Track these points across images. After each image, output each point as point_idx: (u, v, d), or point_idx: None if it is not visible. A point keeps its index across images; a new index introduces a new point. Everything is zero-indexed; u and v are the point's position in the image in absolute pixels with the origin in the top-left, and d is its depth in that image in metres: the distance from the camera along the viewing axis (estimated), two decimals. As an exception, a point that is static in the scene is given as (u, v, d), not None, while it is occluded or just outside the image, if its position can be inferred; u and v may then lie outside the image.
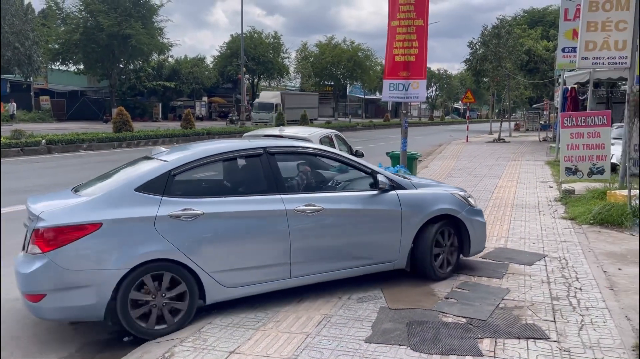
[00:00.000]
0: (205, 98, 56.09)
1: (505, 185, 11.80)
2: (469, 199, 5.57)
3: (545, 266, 5.65)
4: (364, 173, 5.08)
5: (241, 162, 4.71)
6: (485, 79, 39.72)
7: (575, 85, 22.26)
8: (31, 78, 41.56)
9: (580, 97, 24.65)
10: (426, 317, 4.26)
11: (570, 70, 20.72)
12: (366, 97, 78.54)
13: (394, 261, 5.06)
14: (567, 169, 9.83)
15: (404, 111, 9.33)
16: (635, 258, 5.92)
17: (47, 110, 42.73)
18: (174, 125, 32.15)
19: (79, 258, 3.80)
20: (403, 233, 5.01)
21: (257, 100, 46.94)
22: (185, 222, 4.10)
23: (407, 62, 8.91)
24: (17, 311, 4.53)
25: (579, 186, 10.26)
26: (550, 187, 11.42)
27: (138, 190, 4.09)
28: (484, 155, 19.64)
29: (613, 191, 8.45)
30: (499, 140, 29.11)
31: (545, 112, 42.44)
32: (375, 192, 4.96)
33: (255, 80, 60.30)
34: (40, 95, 44.34)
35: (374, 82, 66.78)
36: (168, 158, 4.45)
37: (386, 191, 4.98)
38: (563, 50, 17.09)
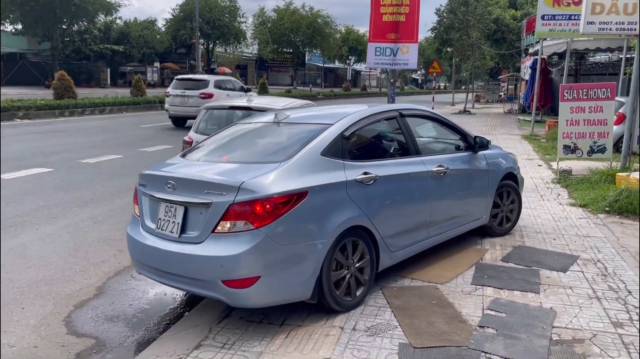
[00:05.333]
0: (157, 64, 53.07)
1: (491, 162, 10.82)
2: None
3: (583, 272, 4.63)
4: (458, 135, 5.29)
5: (385, 124, 4.70)
6: (449, 49, 38.84)
7: (545, 57, 21.58)
8: (-38, 38, 37.88)
9: (550, 69, 24.12)
10: (466, 362, 3.14)
11: (538, 41, 19.95)
12: (325, 65, 76.69)
13: (483, 217, 5.38)
14: (566, 147, 8.90)
15: (391, 80, 8.09)
16: (682, 261, 5.00)
17: (-19, 74, 39.26)
18: (124, 92, 29.83)
19: (292, 230, 3.46)
20: (489, 189, 5.42)
21: None
22: (367, 186, 3.98)
23: (397, 23, 7.66)
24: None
25: (577, 166, 9.40)
26: (539, 166, 10.54)
27: (323, 154, 3.82)
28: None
29: (625, 174, 7.56)
30: (465, 111, 28.43)
31: (504, 84, 42.15)
32: (470, 152, 5.26)
33: (211, 45, 57.48)
34: (-26, 57, 40.66)
35: (334, 50, 64.97)
36: (322, 121, 4.18)
37: (476, 150, 5.30)
38: (542, 17, 16.10)
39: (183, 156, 4.26)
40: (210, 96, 17.62)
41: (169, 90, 18.40)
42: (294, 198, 3.46)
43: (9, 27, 41.61)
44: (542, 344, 3.34)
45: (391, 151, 4.73)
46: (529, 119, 19.76)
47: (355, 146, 4.27)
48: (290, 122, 4.35)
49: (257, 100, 7.26)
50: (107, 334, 3.80)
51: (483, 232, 5.62)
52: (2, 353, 3.49)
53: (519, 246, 5.38)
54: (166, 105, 18.48)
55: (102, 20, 46.92)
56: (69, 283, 4.65)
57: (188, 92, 17.89)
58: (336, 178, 3.76)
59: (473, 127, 19.39)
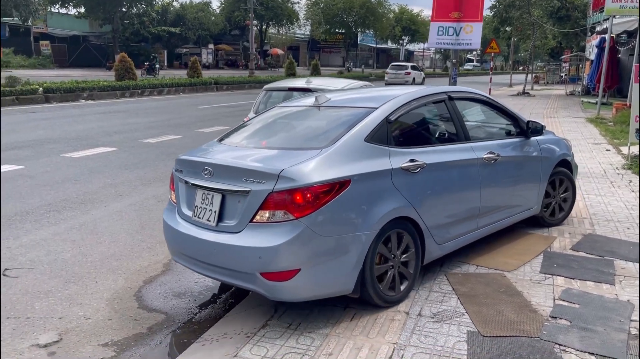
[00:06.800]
0: (211, 46, 53.88)
1: (555, 147, 10.39)
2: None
3: (661, 264, 4.40)
4: (510, 119, 5.01)
5: (433, 108, 4.45)
6: (508, 28, 37.46)
7: (614, 35, 20.42)
8: (30, 21, 39.55)
9: (619, 48, 22.83)
10: (539, 354, 3.04)
11: (606, 19, 18.91)
12: (377, 46, 75.68)
13: (534, 207, 5.11)
14: (639, 131, 8.43)
15: (453, 60, 7.87)
16: None
17: (47, 56, 41.03)
18: (180, 74, 30.51)
19: (334, 221, 3.29)
20: (541, 178, 5.13)
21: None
22: (414, 174, 3.75)
23: (461, 1, 7.39)
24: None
25: (649, 151, 8.89)
26: (607, 151, 10.04)
27: (367, 140, 3.60)
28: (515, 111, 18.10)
29: None
30: (524, 93, 27.44)
31: (565, 65, 40.30)
32: (523, 138, 4.96)
33: (264, 26, 57.76)
34: (40, 40, 42.45)
35: (386, 31, 63.99)
36: (366, 104, 3.95)
37: (529, 136, 5.00)
38: (613, -7, 15.24)
39: (220, 140, 4.10)
40: (409, 74, 36.38)
41: (388, 70, 38.01)
42: (336, 187, 3.27)
43: (72, 11, 43.16)
44: (620, 338, 3.19)
45: (439, 136, 4.44)
46: (593, 101, 18.88)
47: (401, 131, 4.01)
48: (331, 106, 4.12)
49: (316, 82, 7.23)
50: (175, 310, 3.92)
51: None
52: (79, 325, 3.66)
53: (589, 234, 5.16)
54: (386, 77, 36.90)
55: (160, 3, 47.91)
56: (138, 259, 4.82)
57: (398, 72, 36.54)
58: (381, 166, 3.54)
59: (533, 109, 18.71)
